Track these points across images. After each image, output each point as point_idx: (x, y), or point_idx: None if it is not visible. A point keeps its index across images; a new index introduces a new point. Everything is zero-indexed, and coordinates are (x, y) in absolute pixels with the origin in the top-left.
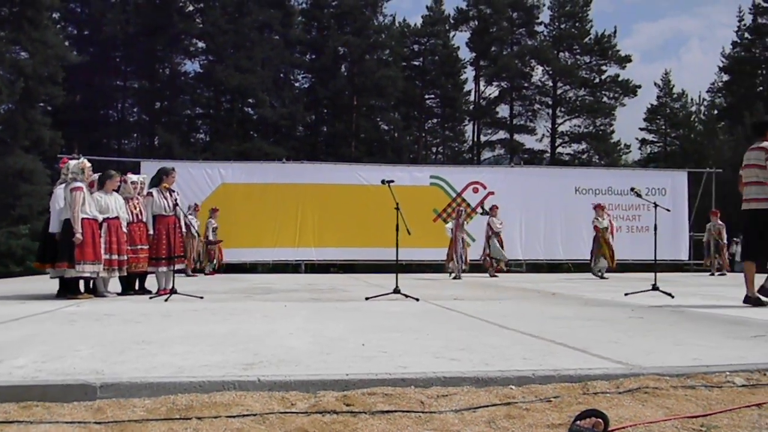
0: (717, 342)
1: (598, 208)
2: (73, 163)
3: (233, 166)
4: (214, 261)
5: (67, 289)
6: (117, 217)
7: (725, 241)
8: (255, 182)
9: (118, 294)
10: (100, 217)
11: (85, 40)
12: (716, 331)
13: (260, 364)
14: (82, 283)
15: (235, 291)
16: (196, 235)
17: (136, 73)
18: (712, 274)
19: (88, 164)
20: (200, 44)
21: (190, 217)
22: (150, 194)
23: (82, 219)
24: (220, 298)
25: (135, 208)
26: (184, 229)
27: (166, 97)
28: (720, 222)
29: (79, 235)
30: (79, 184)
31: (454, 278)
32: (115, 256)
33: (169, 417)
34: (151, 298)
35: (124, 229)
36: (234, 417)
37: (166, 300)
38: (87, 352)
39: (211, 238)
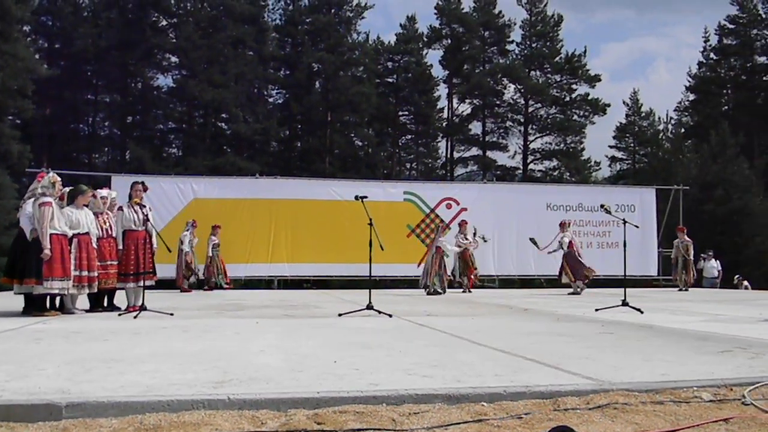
0: (685, 357)
1: (564, 224)
2: (45, 177)
3: (206, 181)
4: (219, 277)
5: (34, 306)
6: (87, 233)
7: (692, 257)
8: (228, 197)
9: (86, 311)
10: (70, 233)
11: (56, 53)
12: (684, 347)
13: (230, 382)
14: (49, 299)
15: (207, 307)
16: (188, 250)
17: (108, 87)
18: (680, 290)
19: (59, 179)
20: (173, 59)
21: (186, 233)
22: (120, 208)
23: (51, 235)
24: (191, 314)
25: (105, 223)
26: (155, 245)
27: (138, 112)
28: (687, 238)
29: (47, 251)
30: (47, 199)
31: (432, 294)
32: (85, 273)
33: None
34: (120, 315)
35: (94, 245)
36: None
37: (135, 317)
38: (53, 371)
39: (210, 254)
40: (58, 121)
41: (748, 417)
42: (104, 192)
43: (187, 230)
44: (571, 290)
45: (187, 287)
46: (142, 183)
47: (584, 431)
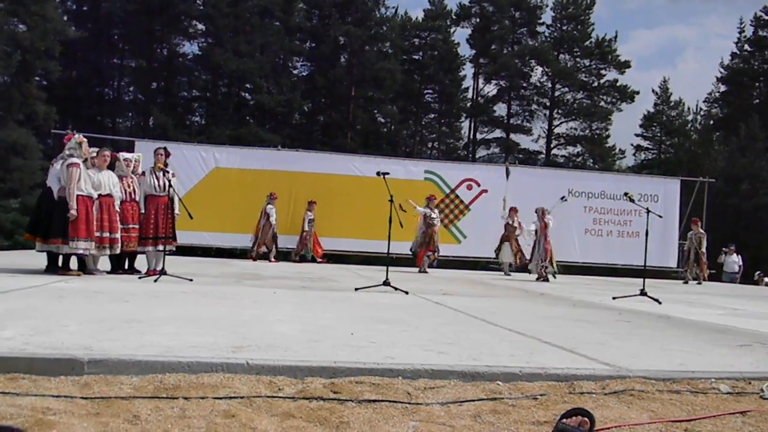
0: (703, 349)
1: (513, 211)
2: (73, 138)
3: (228, 150)
4: (308, 249)
5: (56, 265)
6: (110, 195)
7: (705, 249)
8: (249, 168)
9: (107, 272)
10: (95, 195)
11: (84, 15)
12: (702, 338)
13: (249, 347)
14: (74, 259)
15: (225, 275)
16: (273, 223)
17: (134, 51)
18: (686, 282)
19: (85, 140)
20: (200, 26)
21: (269, 206)
22: (143, 173)
23: (78, 196)
24: (210, 281)
25: (129, 187)
26: (177, 211)
27: (163, 78)
28: (701, 231)
29: (74, 212)
30: (75, 160)
31: (421, 272)
32: (106, 234)
33: (156, 395)
34: (140, 278)
35: (117, 208)
36: (221, 399)
37: (155, 281)
38: (75, 328)
39: (306, 228)
40: (84, 84)
41: (766, 411)
42: (129, 155)
43: (269, 203)
44: (543, 277)
45: (255, 257)
46: (165, 149)
47: (599, 416)
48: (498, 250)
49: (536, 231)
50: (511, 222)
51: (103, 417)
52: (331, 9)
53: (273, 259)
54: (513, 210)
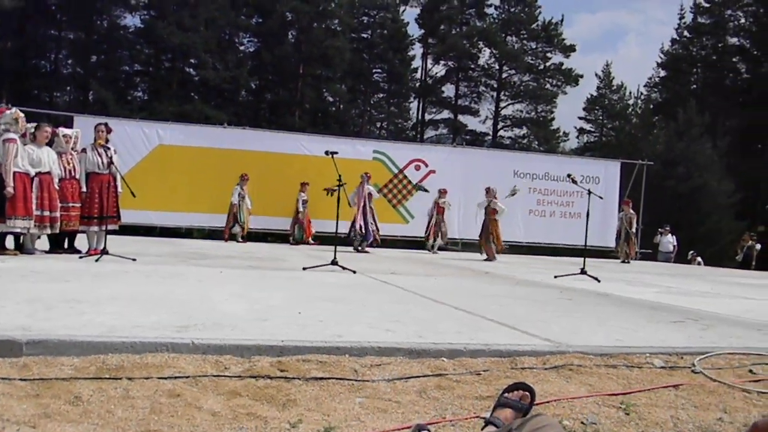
0: (639, 325)
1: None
2: (8, 113)
3: (172, 127)
4: (300, 231)
5: None
6: (49, 172)
7: (634, 230)
8: (194, 145)
9: (46, 252)
10: (33, 171)
11: None
12: (639, 315)
13: (194, 327)
14: (10, 238)
15: (170, 255)
16: (234, 202)
17: (72, 23)
18: (623, 261)
19: (22, 115)
20: None
21: (237, 187)
22: (84, 150)
23: (14, 173)
24: (153, 261)
25: (68, 164)
26: (120, 189)
27: (103, 51)
28: (632, 211)
29: (10, 189)
30: (12, 135)
31: (359, 251)
32: (46, 213)
33: (99, 376)
34: (80, 257)
35: (56, 186)
36: (166, 378)
37: (96, 260)
38: (12, 308)
39: (300, 209)
40: (19, 56)
41: (697, 384)
42: (68, 131)
43: (238, 184)
44: (490, 256)
45: (241, 240)
46: (106, 124)
47: (540, 390)
48: (428, 229)
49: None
50: (440, 202)
51: (44, 399)
52: None
53: (228, 239)
54: (442, 191)
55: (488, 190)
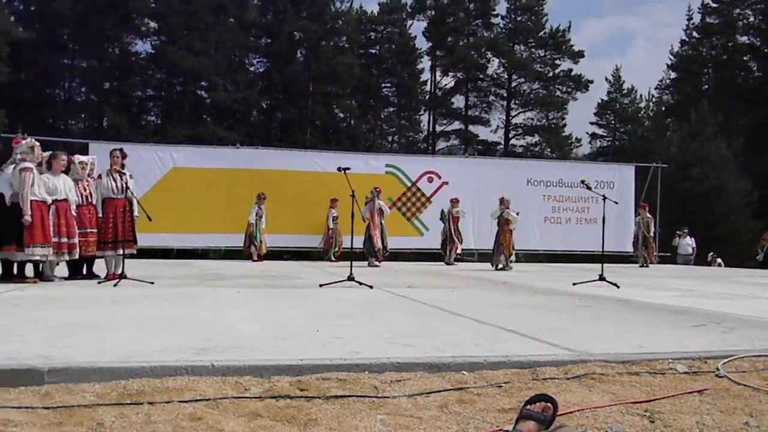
0: (660, 330)
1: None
2: (24, 142)
3: (185, 150)
4: (334, 248)
5: (11, 273)
6: (66, 199)
7: (652, 233)
8: (207, 167)
9: (65, 278)
10: (50, 199)
11: (32, 16)
12: (660, 320)
13: (213, 349)
14: (29, 266)
15: (187, 277)
16: (251, 222)
17: (85, 51)
18: (642, 266)
19: (37, 143)
20: (152, 24)
21: (254, 206)
22: (99, 176)
23: (31, 201)
24: (171, 283)
25: (85, 190)
26: (136, 214)
27: (116, 78)
28: (648, 215)
29: (28, 217)
30: (28, 164)
31: (370, 265)
32: (64, 239)
33: (120, 402)
34: (99, 283)
35: (73, 212)
36: (187, 402)
37: (115, 285)
38: (33, 336)
39: (331, 226)
40: (33, 86)
41: (722, 389)
42: (84, 158)
43: (256, 203)
44: (501, 266)
45: (257, 258)
46: (121, 150)
47: (562, 400)
48: (444, 242)
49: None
50: (453, 212)
51: (66, 426)
52: (285, 4)
53: (256, 258)
54: (455, 201)
55: (502, 200)
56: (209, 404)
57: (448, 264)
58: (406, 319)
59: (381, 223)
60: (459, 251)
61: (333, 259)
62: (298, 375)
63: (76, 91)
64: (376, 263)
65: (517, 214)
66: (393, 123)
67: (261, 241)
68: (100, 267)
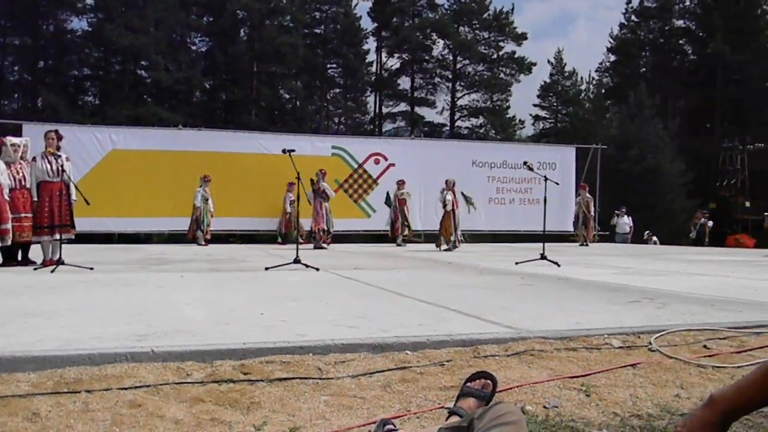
0: (597, 307)
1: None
2: None
3: (125, 132)
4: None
5: None
6: None
7: (592, 213)
8: (149, 149)
9: None
10: None
11: None
12: (597, 297)
13: (154, 335)
14: None
15: (129, 262)
16: (199, 205)
17: (17, 28)
18: (582, 245)
19: None
20: (88, 0)
21: (199, 189)
22: (33, 159)
23: None
24: (113, 269)
25: (18, 174)
26: (74, 197)
27: (51, 56)
28: (588, 195)
29: None
30: None
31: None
32: None
33: (57, 391)
34: (35, 269)
35: (6, 197)
36: (126, 389)
37: (52, 271)
38: None
39: (288, 210)
40: None
41: (654, 362)
42: (16, 140)
43: (201, 186)
44: (446, 246)
45: (203, 242)
46: (56, 131)
47: (503, 376)
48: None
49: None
50: (399, 195)
51: (0, 417)
52: None
53: (204, 243)
54: (400, 183)
55: (447, 182)
56: (149, 391)
57: (398, 245)
58: (352, 301)
59: (325, 205)
60: (406, 233)
61: (302, 240)
62: (242, 359)
63: (8, 70)
64: (323, 245)
65: (463, 194)
66: (339, 104)
67: (208, 225)
68: (36, 253)
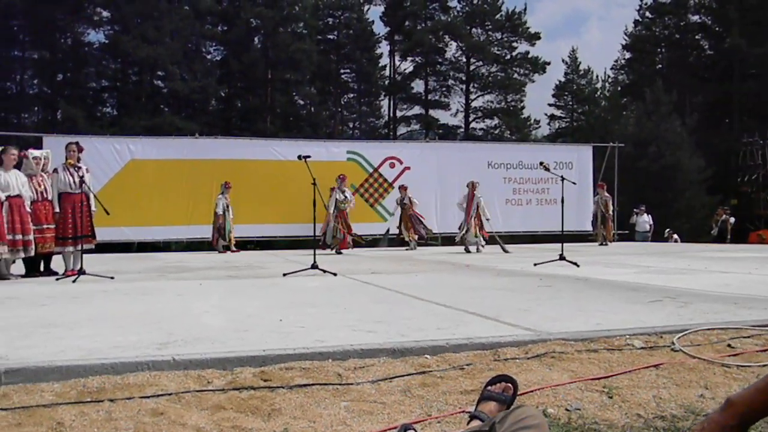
0: (618, 307)
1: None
2: None
3: (143, 141)
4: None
5: None
6: (19, 195)
7: (611, 212)
8: (166, 158)
9: (22, 276)
10: (2, 196)
11: None
12: (617, 297)
13: (175, 343)
14: None
15: (148, 270)
16: (218, 213)
17: (36, 42)
18: (601, 244)
19: None
20: (105, 13)
21: (220, 196)
22: (55, 171)
23: None
24: (132, 278)
25: (39, 186)
26: (93, 208)
27: (69, 69)
28: (606, 194)
29: None
30: None
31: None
32: (19, 236)
33: (80, 400)
34: (57, 279)
35: (28, 208)
36: (148, 398)
37: (73, 281)
38: None
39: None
40: None
41: (677, 363)
42: (37, 152)
43: (222, 193)
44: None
45: (226, 249)
46: (76, 143)
47: (523, 379)
48: (399, 228)
49: (464, 204)
50: (402, 198)
51: (26, 427)
52: None
53: (222, 250)
54: (402, 188)
55: (467, 185)
56: (171, 399)
57: (408, 250)
58: (370, 306)
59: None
60: (417, 237)
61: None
62: (261, 365)
63: (28, 83)
64: (341, 251)
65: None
66: (353, 109)
67: (230, 232)
68: (58, 263)
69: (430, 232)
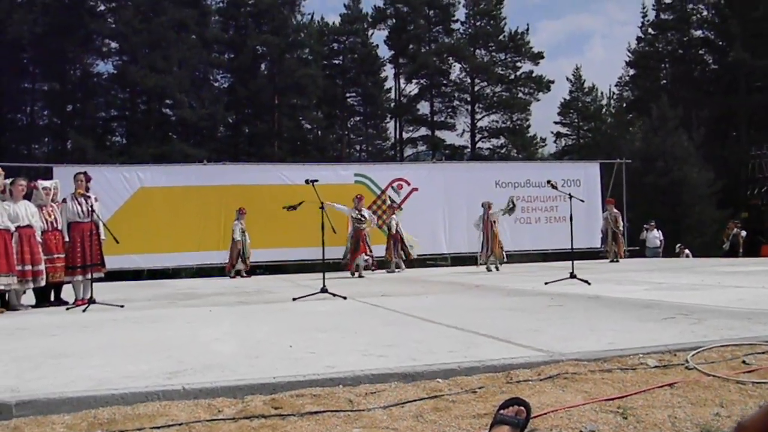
0: (630, 326)
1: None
2: None
3: (152, 169)
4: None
5: None
6: (29, 226)
7: (621, 228)
8: (175, 185)
9: (32, 306)
10: (12, 227)
11: None
12: (629, 315)
13: (185, 371)
14: None
15: (158, 297)
16: (239, 239)
17: (46, 74)
18: (612, 261)
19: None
20: (113, 44)
21: (236, 222)
22: (64, 200)
23: None
24: (142, 305)
25: (49, 216)
26: (103, 237)
27: (78, 99)
28: (615, 210)
29: None
30: None
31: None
32: (29, 267)
33: None
34: (67, 309)
35: (38, 239)
36: (159, 428)
37: (84, 311)
38: (0, 370)
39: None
40: None
41: (692, 381)
42: (47, 183)
43: (237, 219)
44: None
45: (233, 275)
46: (85, 173)
47: (536, 402)
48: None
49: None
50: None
51: None
52: (246, 19)
53: (234, 275)
54: (390, 208)
55: (482, 205)
56: (181, 429)
57: (389, 272)
58: (380, 329)
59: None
60: (403, 258)
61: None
62: (272, 393)
63: (38, 114)
64: (362, 274)
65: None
66: (360, 132)
67: (247, 257)
68: (68, 293)
69: (408, 255)
